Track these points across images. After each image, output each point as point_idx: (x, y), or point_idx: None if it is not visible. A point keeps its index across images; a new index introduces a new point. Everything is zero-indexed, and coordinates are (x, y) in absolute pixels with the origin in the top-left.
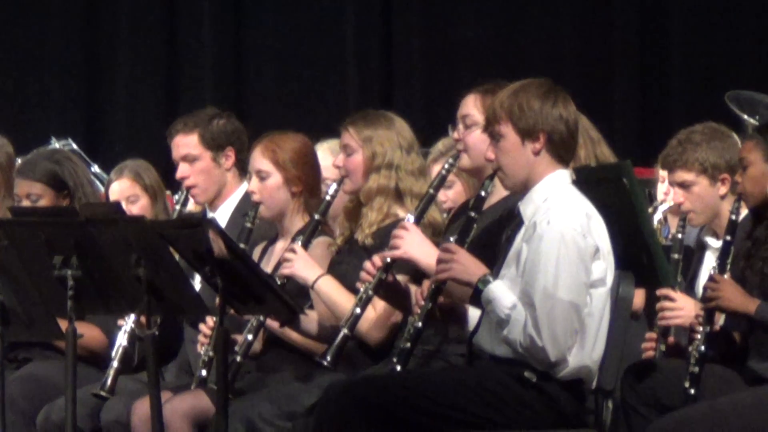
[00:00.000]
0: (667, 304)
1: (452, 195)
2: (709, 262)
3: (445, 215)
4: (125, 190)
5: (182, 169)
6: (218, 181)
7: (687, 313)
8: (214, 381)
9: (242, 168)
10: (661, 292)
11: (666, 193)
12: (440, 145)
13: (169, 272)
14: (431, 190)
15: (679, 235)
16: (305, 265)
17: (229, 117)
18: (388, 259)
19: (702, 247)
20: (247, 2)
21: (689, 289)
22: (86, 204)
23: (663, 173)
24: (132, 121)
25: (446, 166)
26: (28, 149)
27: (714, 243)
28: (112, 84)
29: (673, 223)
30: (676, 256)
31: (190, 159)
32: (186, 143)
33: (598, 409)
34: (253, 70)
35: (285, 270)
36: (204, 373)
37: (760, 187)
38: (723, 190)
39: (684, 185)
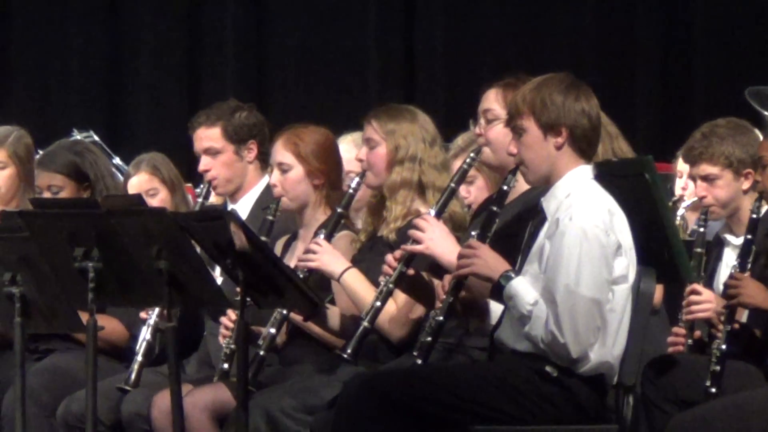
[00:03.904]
0: (694, 297)
1: (474, 191)
2: (728, 259)
3: (466, 209)
4: (144, 184)
5: (204, 162)
6: (240, 174)
7: (714, 307)
8: (236, 374)
9: (264, 161)
10: (690, 287)
11: (684, 188)
12: (459, 140)
13: (191, 264)
14: (452, 184)
15: (701, 229)
16: (331, 257)
17: (251, 109)
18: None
19: (720, 243)
20: None
21: (708, 285)
22: (108, 196)
23: (681, 168)
24: (154, 113)
25: (468, 160)
26: (50, 141)
27: (733, 240)
28: (133, 76)
29: (691, 219)
30: (699, 250)
31: (212, 152)
32: (208, 136)
33: (619, 404)
34: (275, 63)
35: (310, 263)
36: (225, 366)
37: None
38: (746, 185)
39: (708, 179)
